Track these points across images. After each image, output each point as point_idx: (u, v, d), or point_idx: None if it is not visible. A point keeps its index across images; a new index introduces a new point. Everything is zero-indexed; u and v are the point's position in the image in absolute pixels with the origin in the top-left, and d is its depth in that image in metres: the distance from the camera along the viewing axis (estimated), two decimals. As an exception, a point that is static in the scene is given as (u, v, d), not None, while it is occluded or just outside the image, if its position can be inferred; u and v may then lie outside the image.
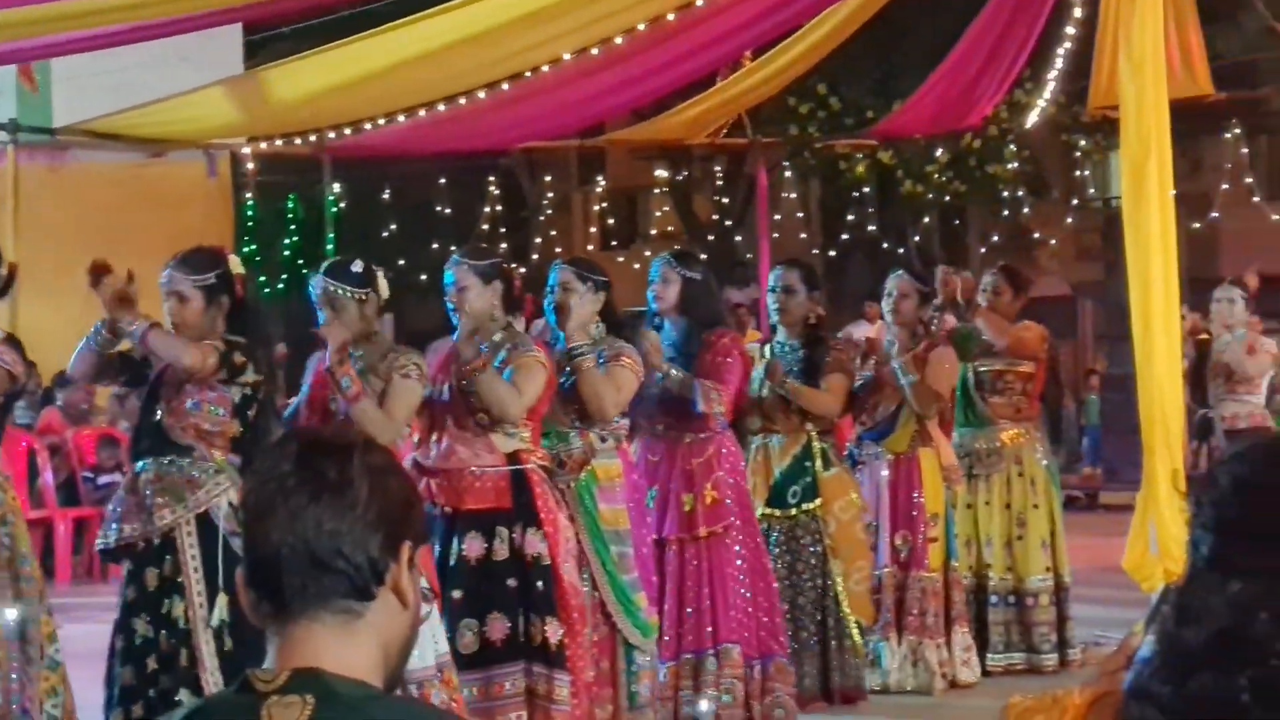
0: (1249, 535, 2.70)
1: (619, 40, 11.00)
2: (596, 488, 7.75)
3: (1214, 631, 2.60)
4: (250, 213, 21.55)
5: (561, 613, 7.08)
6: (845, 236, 26.35)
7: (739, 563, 8.35)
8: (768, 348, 9.12)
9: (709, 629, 8.25)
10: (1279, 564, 2.64)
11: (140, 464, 6.60)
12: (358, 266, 7.18)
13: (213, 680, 6.30)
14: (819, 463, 8.94)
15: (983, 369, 9.78)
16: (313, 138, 13.86)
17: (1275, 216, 21.43)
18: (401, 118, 12.98)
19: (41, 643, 6.64)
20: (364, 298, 7.02)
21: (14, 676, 6.48)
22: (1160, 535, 7.53)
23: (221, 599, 6.31)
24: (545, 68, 11.47)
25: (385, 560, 2.62)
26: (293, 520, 2.59)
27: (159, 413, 6.56)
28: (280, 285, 28.00)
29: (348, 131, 13.48)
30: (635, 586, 7.76)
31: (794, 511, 8.90)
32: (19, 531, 6.66)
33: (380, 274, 7.18)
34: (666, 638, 8.21)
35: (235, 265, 6.83)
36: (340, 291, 7.00)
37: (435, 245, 23.73)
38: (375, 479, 2.65)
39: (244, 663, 2.72)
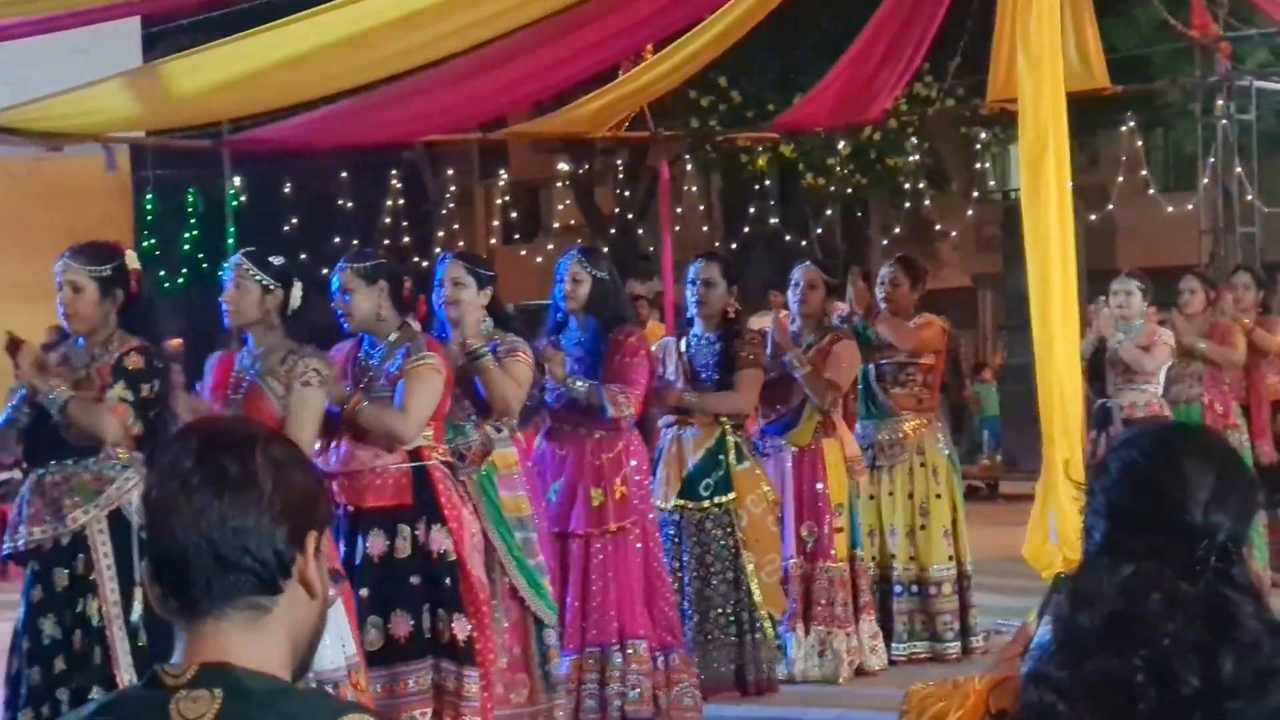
0: (1138, 520, 2.73)
1: (520, 33, 10.99)
2: (496, 476, 7.76)
3: (1107, 614, 2.67)
4: (150, 207, 21.48)
5: (469, 607, 7.06)
6: (747, 229, 26.38)
7: (638, 558, 8.39)
8: (683, 341, 9.14)
9: (614, 623, 8.26)
10: (1167, 547, 2.70)
11: (41, 470, 6.52)
12: (279, 260, 7.15)
13: (128, 677, 6.25)
14: (732, 456, 8.93)
15: (884, 362, 9.82)
16: (213, 131, 13.79)
17: (1170, 209, 21.64)
18: (303, 111, 12.94)
19: None
20: (271, 289, 6.95)
21: None
22: (1059, 524, 7.60)
23: (139, 594, 6.25)
24: (447, 61, 11.44)
25: (292, 553, 2.60)
26: (196, 518, 2.55)
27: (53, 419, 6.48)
28: (180, 280, 27.87)
29: (248, 125, 13.42)
30: (541, 570, 7.80)
31: (706, 504, 8.90)
32: None
33: (298, 285, 7.11)
34: (569, 630, 8.22)
35: (132, 260, 6.74)
36: (252, 274, 6.93)
37: (337, 240, 23.75)
38: (278, 472, 2.62)
39: (159, 659, 2.68)
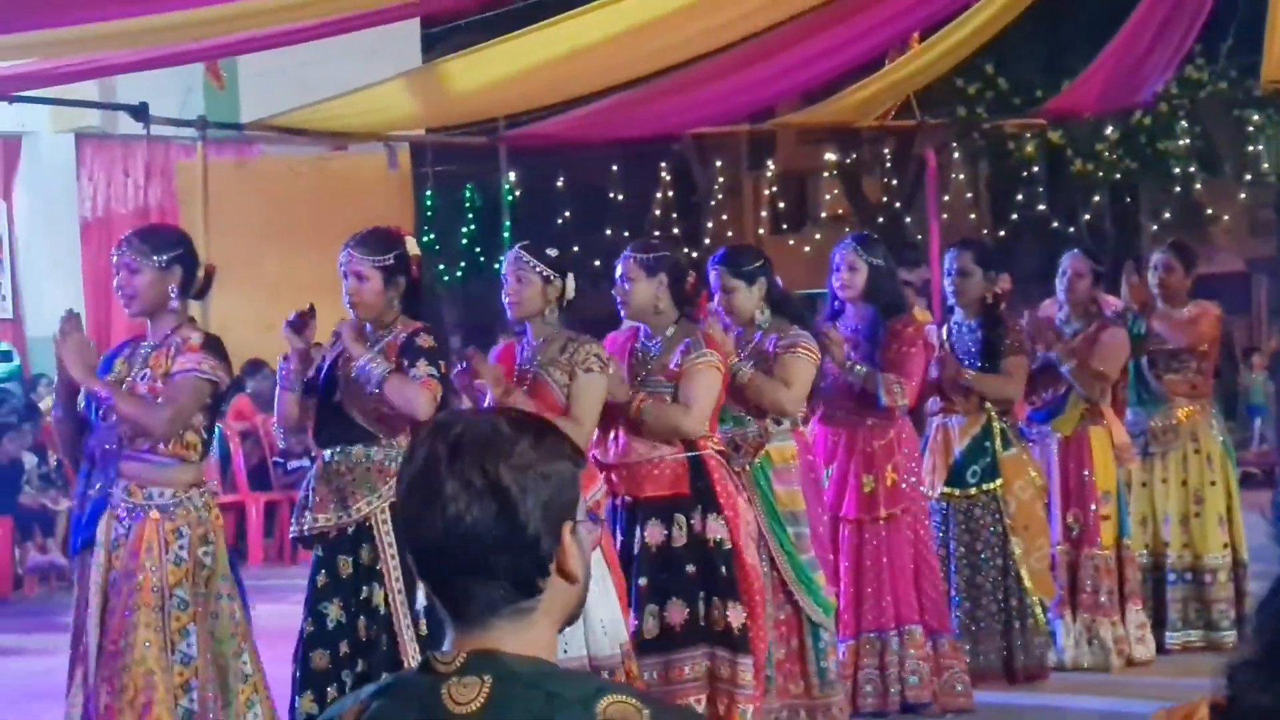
0: None
1: (788, 24, 11.00)
2: (772, 470, 7.76)
3: None
4: (429, 202, 21.81)
5: (744, 595, 7.05)
6: (1015, 217, 26.20)
7: (910, 545, 8.37)
8: (944, 329, 9.07)
9: (890, 609, 8.27)
10: None
11: (328, 452, 6.65)
12: (554, 251, 7.18)
13: (414, 664, 6.33)
14: (998, 443, 8.89)
15: (1156, 349, 9.63)
16: (489, 128, 13.97)
17: None
18: (575, 106, 13.07)
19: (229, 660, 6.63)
20: (551, 279, 7.01)
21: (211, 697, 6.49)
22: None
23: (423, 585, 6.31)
24: (716, 54, 11.48)
25: (550, 551, 2.62)
26: (448, 536, 2.55)
27: (338, 395, 6.61)
28: (458, 273, 28.21)
29: (523, 121, 13.59)
30: (814, 565, 7.78)
31: (974, 491, 8.87)
32: (220, 551, 6.67)
33: (571, 276, 7.16)
34: (845, 616, 8.23)
35: (412, 247, 6.81)
36: (533, 266, 7.01)
37: (609, 232, 23.95)
38: (527, 478, 2.58)
39: (439, 645, 2.71)
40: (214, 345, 6.63)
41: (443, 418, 2.70)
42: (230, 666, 6.51)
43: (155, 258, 6.59)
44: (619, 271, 7.38)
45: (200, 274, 6.95)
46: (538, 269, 7.01)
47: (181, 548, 6.40)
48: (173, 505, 6.43)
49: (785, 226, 31.77)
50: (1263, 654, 2.63)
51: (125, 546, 6.42)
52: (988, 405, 8.91)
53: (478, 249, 26.17)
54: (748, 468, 7.65)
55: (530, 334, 7.10)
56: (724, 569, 7.04)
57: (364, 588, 6.44)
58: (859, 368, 8.11)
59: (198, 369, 6.46)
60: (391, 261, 6.69)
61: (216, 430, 7.00)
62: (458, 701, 2.54)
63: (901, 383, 8.14)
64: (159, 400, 6.40)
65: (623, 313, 7.42)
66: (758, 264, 7.90)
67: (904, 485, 8.33)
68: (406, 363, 6.44)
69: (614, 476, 7.09)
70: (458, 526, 2.54)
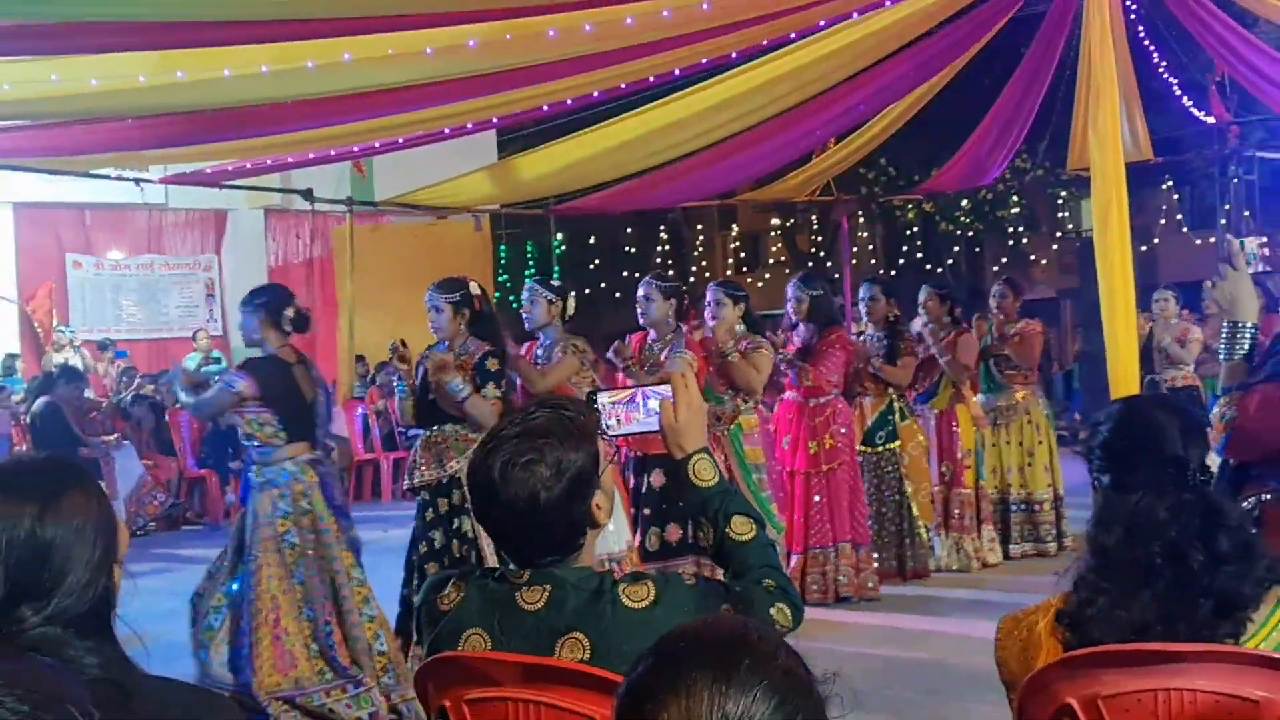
0: (1134, 461, 2.69)
1: (746, 133, 11.00)
2: (742, 434, 7.81)
3: (1126, 528, 2.62)
4: (502, 254, 21.76)
5: None
6: (901, 261, 26.20)
7: (847, 488, 8.43)
8: (862, 339, 9.06)
9: (830, 532, 8.36)
10: (1162, 475, 2.72)
11: (428, 430, 6.58)
12: (556, 282, 7.37)
13: None
14: (898, 416, 9.03)
15: (999, 352, 9.66)
16: (543, 203, 13.98)
17: (1197, 241, 21.05)
18: (601, 188, 13.08)
19: (358, 604, 6.51)
20: (552, 300, 7.10)
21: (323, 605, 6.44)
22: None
23: None
24: (698, 152, 11.48)
25: (585, 516, 2.57)
26: (514, 512, 2.50)
27: (432, 395, 6.54)
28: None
29: (567, 197, 13.58)
30: (770, 499, 7.83)
31: (880, 449, 8.96)
32: (316, 499, 6.60)
33: (571, 296, 7.22)
34: (798, 536, 8.34)
35: (474, 288, 6.74)
36: (541, 292, 7.14)
37: (624, 273, 23.90)
38: (569, 458, 2.51)
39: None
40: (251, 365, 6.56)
41: (505, 429, 2.60)
42: (340, 577, 6.43)
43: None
44: (642, 293, 7.41)
45: (289, 313, 6.66)
46: (544, 294, 7.13)
47: (284, 506, 6.37)
48: (272, 477, 6.40)
49: (744, 269, 31.67)
50: (1095, 567, 2.61)
51: (251, 513, 6.44)
52: (890, 390, 8.95)
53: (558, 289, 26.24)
54: (725, 432, 7.67)
55: (543, 337, 7.20)
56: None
57: (455, 520, 6.39)
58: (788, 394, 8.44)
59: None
60: (458, 298, 6.63)
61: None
62: (528, 602, 2.52)
63: (807, 369, 8.32)
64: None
65: (642, 321, 7.44)
66: (742, 292, 8.01)
67: (839, 446, 8.40)
68: (479, 382, 6.39)
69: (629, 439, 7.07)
70: (528, 504, 2.50)
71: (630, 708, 1.54)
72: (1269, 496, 3.20)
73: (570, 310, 7.21)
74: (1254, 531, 2.64)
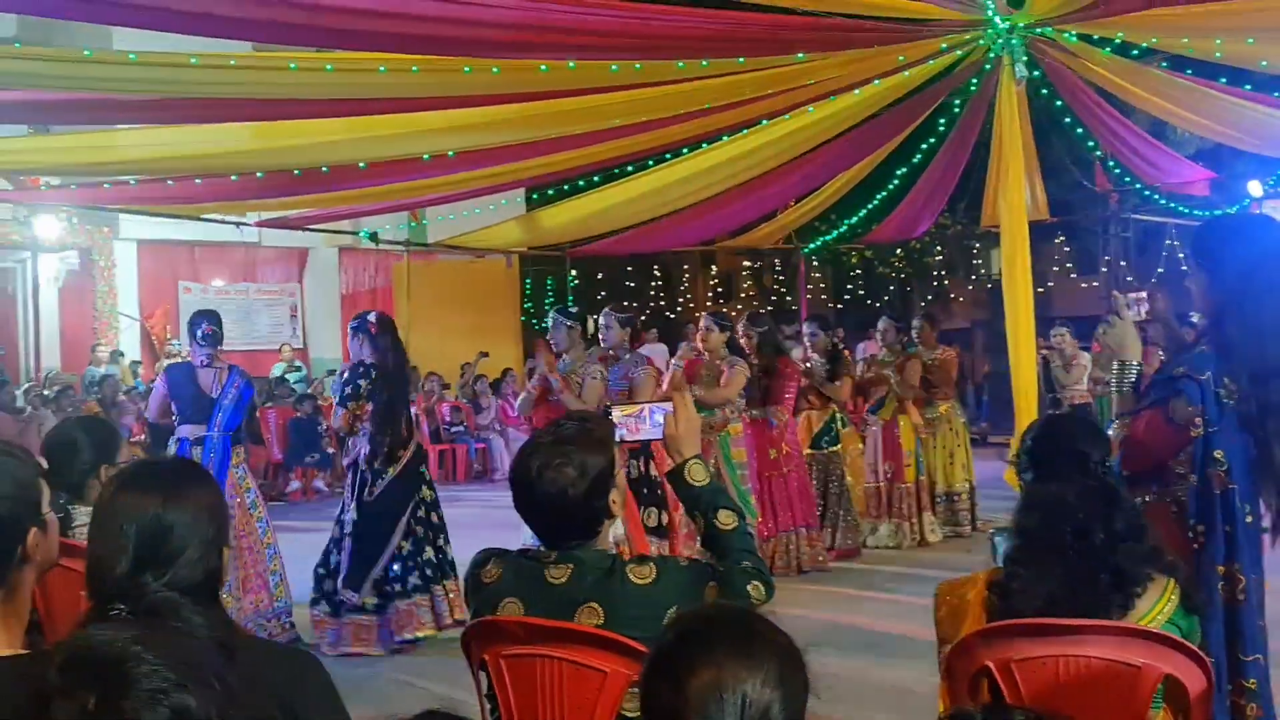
0: (1052, 459, 2.72)
1: (724, 194, 11.00)
2: (730, 439, 7.76)
3: (1044, 512, 2.63)
4: (527, 287, 21.70)
5: (669, 502, 6.72)
6: (846, 297, 26.21)
7: (797, 484, 8.34)
8: (807, 364, 8.94)
9: (789, 519, 8.25)
10: (1071, 469, 2.77)
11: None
12: (575, 309, 7.31)
13: None
14: (839, 424, 8.94)
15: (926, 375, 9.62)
16: (561, 246, 13.98)
17: (1083, 285, 21.09)
18: (607, 236, 13.06)
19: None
20: (572, 326, 6.99)
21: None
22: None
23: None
24: (688, 208, 11.48)
25: (604, 508, 2.55)
26: (549, 502, 2.49)
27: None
28: (545, 324, 28.12)
29: (580, 243, 13.59)
30: (750, 491, 7.78)
31: (825, 451, 8.86)
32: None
33: (589, 319, 7.17)
34: (768, 523, 8.20)
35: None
36: (563, 320, 7.03)
37: (625, 302, 23.89)
38: (589, 458, 2.51)
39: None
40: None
41: (540, 438, 2.60)
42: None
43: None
44: (602, 321, 7.12)
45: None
46: (565, 321, 7.01)
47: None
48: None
49: (720, 301, 31.60)
50: (1019, 546, 2.61)
51: None
52: (832, 404, 8.88)
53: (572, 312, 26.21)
54: (715, 438, 7.58)
55: (565, 358, 6.99)
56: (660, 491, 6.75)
57: None
58: (755, 412, 8.18)
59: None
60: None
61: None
62: (554, 577, 2.50)
63: (777, 410, 8.21)
64: None
65: (602, 343, 7.12)
66: (727, 322, 7.95)
67: (792, 452, 8.33)
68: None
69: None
70: (558, 498, 2.49)
71: (662, 672, 1.56)
72: (1149, 498, 3.20)
73: (591, 331, 7.18)
74: (1142, 516, 2.68)
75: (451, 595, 6.72)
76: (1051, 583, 2.54)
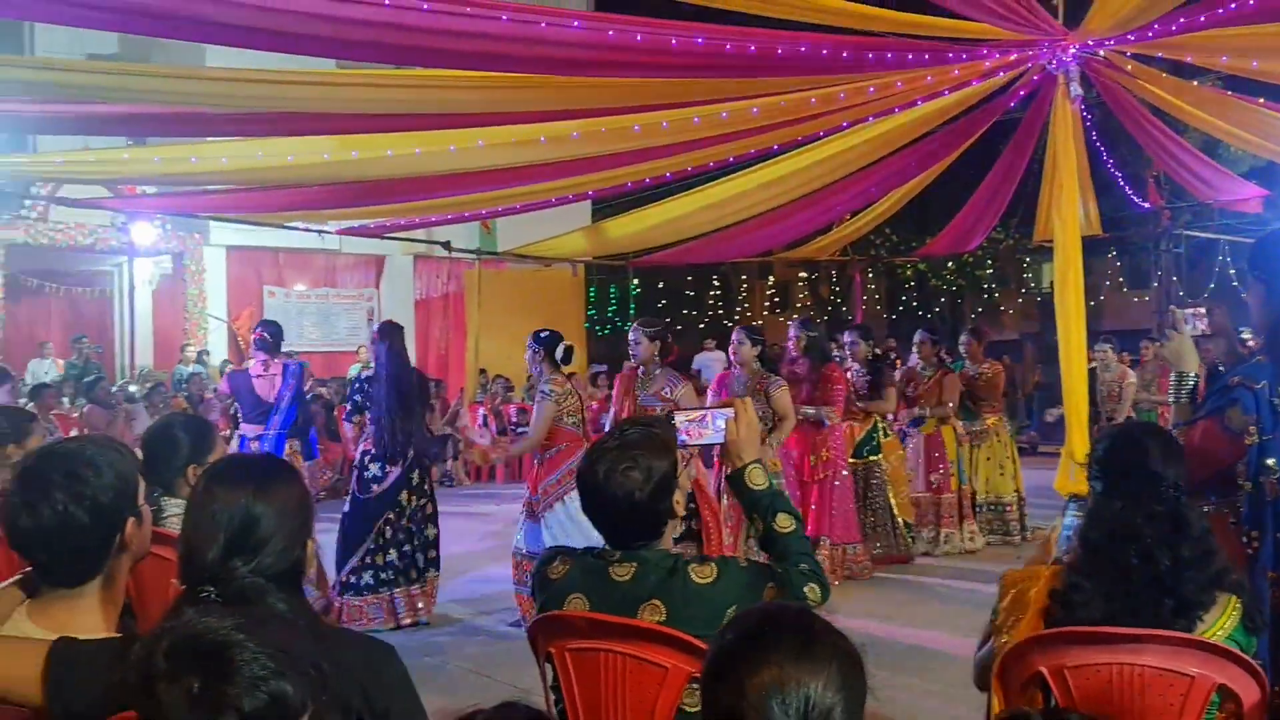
0: (1122, 475, 2.60)
1: (781, 208, 10.95)
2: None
3: (1109, 529, 2.56)
4: (592, 295, 21.77)
5: (703, 510, 6.66)
6: (900, 309, 25.98)
7: (838, 501, 8.15)
8: (848, 374, 8.75)
9: (827, 525, 8.05)
10: (1141, 488, 2.55)
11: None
12: (657, 323, 7.11)
13: None
14: (880, 434, 8.74)
15: (970, 387, 9.49)
16: (623, 255, 13.99)
17: (1135, 299, 20.67)
18: (668, 247, 13.04)
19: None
20: (654, 338, 6.89)
21: None
22: (1075, 471, 7.19)
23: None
24: (747, 220, 11.44)
25: (668, 510, 2.54)
26: (616, 505, 2.48)
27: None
28: (606, 330, 28.26)
29: (641, 253, 13.58)
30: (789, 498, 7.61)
31: (866, 460, 8.64)
32: None
33: (668, 335, 7.06)
34: (809, 529, 8.04)
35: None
36: (643, 330, 6.91)
37: (684, 311, 23.94)
38: (656, 461, 2.51)
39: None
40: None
41: (607, 442, 2.59)
42: None
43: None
44: (632, 337, 6.99)
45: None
46: (645, 332, 6.91)
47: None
48: None
49: (777, 311, 31.52)
50: (1084, 558, 2.54)
51: None
52: (874, 416, 8.72)
53: (617, 320, 26.27)
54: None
55: (643, 369, 6.93)
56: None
57: None
58: (809, 410, 7.94)
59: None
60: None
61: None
62: (618, 575, 2.49)
63: (830, 410, 8.00)
64: None
65: (632, 358, 7.02)
66: (759, 336, 7.67)
67: (836, 459, 8.12)
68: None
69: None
70: (624, 501, 2.48)
71: (723, 672, 1.53)
72: (1208, 508, 3.12)
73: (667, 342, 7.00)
74: (1212, 541, 2.57)
75: (414, 594, 6.88)
76: (1114, 603, 2.47)
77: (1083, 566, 2.58)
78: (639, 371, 7.03)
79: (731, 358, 7.71)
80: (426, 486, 7.06)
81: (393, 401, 6.86)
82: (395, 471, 6.84)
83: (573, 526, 6.27)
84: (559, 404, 6.70)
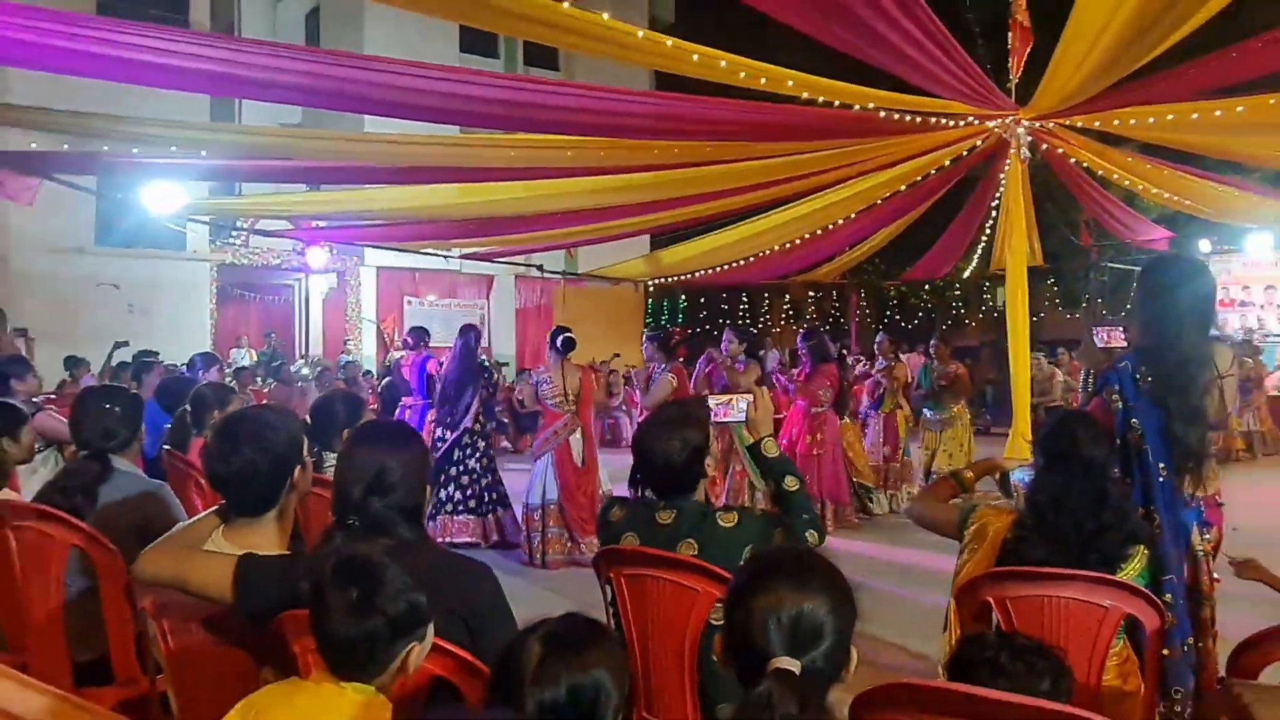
0: (1058, 454, 2.55)
1: (795, 246, 10.83)
2: (743, 427, 7.30)
3: (1050, 497, 2.49)
4: (650, 307, 21.70)
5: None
6: (885, 321, 25.64)
7: (831, 471, 7.81)
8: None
9: (820, 491, 7.69)
10: (1074, 465, 2.51)
11: None
12: (747, 332, 7.15)
13: None
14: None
15: (940, 383, 9.25)
16: (676, 277, 13.95)
17: (1068, 315, 20.22)
18: (712, 269, 12.97)
19: None
20: (743, 341, 6.88)
21: None
22: (1018, 445, 7.03)
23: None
24: (764, 251, 11.34)
25: (700, 471, 2.51)
26: (666, 462, 2.44)
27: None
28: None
29: (690, 273, 13.52)
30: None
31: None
32: None
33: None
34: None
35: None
36: (735, 336, 6.95)
37: (720, 320, 23.75)
38: (688, 442, 2.46)
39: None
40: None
41: (655, 417, 2.57)
42: None
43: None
44: (726, 335, 6.88)
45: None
46: (736, 337, 6.86)
47: None
48: None
49: (791, 323, 31.12)
50: (1031, 513, 2.49)
51: None
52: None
53: (668, 326, 26.15)
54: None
55: (731, 360, 6.86)
56: None
57: None
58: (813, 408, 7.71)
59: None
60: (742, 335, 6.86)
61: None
62: (662, 520, 2.47)
63: (822, 393, 7.67)
64: None
65: (725, 349, 6.91)
66: (746, 335, 7.36)
67: (826, 439, 7.78)
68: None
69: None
70: (666, 463, 2.46)
71: (740, 595, 1.53)
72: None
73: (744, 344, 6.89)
74: (1127, 507, 2.52)
75: (471, 523, 6.83)
76: (1054, 555, 2.42)
77: (1028, 522, 2.53)
78: (727, 361, 7.05)
79: (724, 347, 7.66)
80: (480, 444, 7.01)
81: (458, 390, 6.92)
82: (452, 436, 6.91)
83: (539, 477, 6.41)
84: (553, 388, 6.72)
